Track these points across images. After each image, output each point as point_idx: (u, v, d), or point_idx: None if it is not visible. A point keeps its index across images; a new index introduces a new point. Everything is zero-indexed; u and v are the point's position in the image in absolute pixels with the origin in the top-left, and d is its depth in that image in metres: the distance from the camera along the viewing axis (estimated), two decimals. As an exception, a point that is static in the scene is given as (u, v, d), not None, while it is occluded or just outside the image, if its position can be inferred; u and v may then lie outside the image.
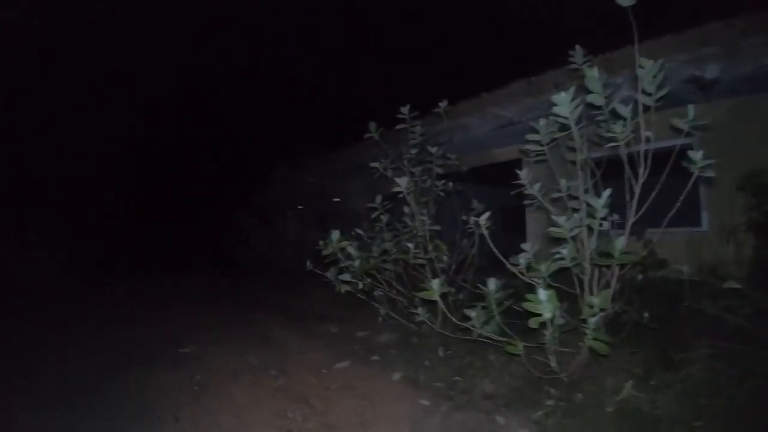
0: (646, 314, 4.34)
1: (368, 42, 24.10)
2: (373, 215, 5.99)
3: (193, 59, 23.22)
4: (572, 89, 3.75)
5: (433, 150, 6.06)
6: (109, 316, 8.44)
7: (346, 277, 5.37)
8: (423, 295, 3.87)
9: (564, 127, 3.92)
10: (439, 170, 6.32)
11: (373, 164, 6.34)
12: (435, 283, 3.80)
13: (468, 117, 8.47)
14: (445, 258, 5.63)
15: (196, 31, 22.41)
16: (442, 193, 6.40)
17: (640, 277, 4.68)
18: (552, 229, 3.74)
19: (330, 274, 5.63)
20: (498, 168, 9.81)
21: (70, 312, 9.03)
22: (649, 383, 3.67)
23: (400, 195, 5.57)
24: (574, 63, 4.53)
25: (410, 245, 5.22)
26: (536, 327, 3.37)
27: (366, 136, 6.15)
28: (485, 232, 3.90)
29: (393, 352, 5.46)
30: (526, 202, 4.51)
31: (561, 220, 3.63)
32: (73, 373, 5.34)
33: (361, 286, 5.48)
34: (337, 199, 14.03)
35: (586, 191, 4.01)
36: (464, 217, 5.92)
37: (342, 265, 5.41)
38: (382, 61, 23.93)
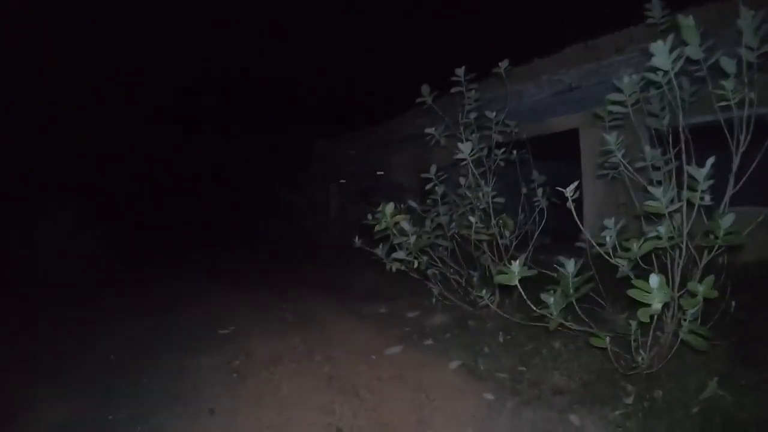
0: (733, 303, 3.71)
1: (411, 7, 22.89)
2: (427, 186, 5.38)
3: (229, 32, 22.88)
4: (671, 37, 3.06)
5: (492, 115, 5.34)
6: (148, 297, 8.26)
7: (400, 254, 4.82)
8: (500, 278, 3.28)
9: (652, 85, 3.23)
10: (499, 138, 5.61)
11: (428, 130, 5.66)
12: (515, 266, 3.20)
13: (521, 84, 7.76)
14: (507, 234, 5.00)
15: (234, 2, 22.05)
16: (502, 163, 5.70)
17: (720, 260, 3.97)
18: (649, 203, 3.12)
19: (380, 251, 5.11)
20: (548, 139, 9.04)
21: (108, 294, 8.85)
22: (734, 382, 3.26)
23: (461, 163, 4.93)
24: (652, 18, 4.07)
25: (473, 219, 4.67)
26: (647, 321, 2.79)
27: (418, 100, 5.50)
28: (571, 205, 3.24)
29: (448, 336, 4.99)
30: (599, 172, 4.13)
31: (657, 192, 3.05)
32: (110, 358, 5.09)
33: (416, 264, 4.93)
34: (381, 173, 13.50)
35: (683, 161, 3.31)
36: (524, 190, 5.32)
37: (396, 241, 4.85)
38: (426, 28, 22.81)
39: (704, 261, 3.35)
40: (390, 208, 4.51)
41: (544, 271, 3.74)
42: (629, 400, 3.24)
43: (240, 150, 23.97)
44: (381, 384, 3.98)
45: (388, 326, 5.61)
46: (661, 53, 3.08)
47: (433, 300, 5.81)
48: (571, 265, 3.17)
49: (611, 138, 3.55)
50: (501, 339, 4.62)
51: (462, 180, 5.32)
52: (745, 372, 3.34)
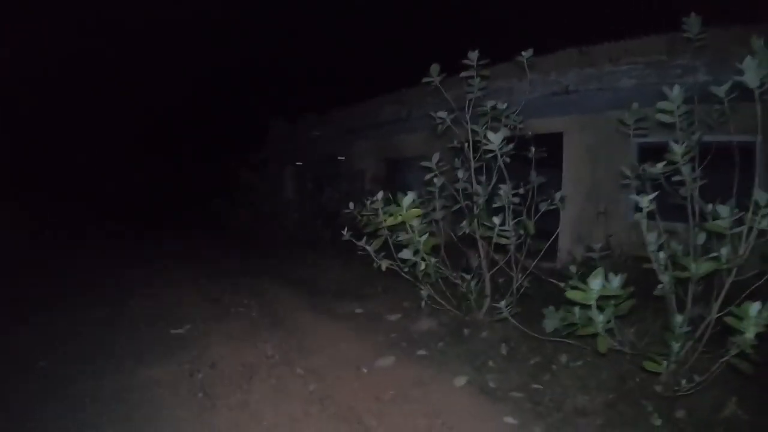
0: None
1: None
2: (427, 177, 4.79)
3: (191, 12, 21.23)
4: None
5: (503, 107, 4.73)
6: (80, 284, 7.08)
7: (406, 254, 4.15)
8: (574, 295, 2.72)
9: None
10: (507, 132, 5.00)
11: (440, 114, 4.97)
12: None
13: (507, 80, 7.25)
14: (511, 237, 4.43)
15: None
16: (507, 159, 5.10)
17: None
18: (715, 222, 2.98)
19: (372, 246, 4.44)
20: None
21: (27, 280, 7.52)
22: (750, 401, 3.09)
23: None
24: (686, 32, 3.96)
25: (497, 221, 4.19)
26: (748, 350, 2.49)
27: (425, 80, 4.85)
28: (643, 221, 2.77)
29: (441, 346, 4.42)
30: (624, 181, 4.00)
31: (724, 211, 2.94)
32: (38, 366, 4.07)
33: (423, 266, 4.27)
34: (342, 158, 12.72)
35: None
36: (521, 190, 4.69)
37: (399, 238, 4.19)
38: (404, 12, 21.75)
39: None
40: (408, 200, 3.77)
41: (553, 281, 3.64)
42: (657, 422, 2.97)
43: (192, 120, 22.36)
44: (384, 407, 3.30)
45: (370, 330, 4.96)
46: (750, 69, 3.05)
47: (423, 303, 5.10)
48: (616, 282, 2.79)
49: (679, 148, 3.27)
50: (504, 351, 4.12)
51: (460, 173, 4.85)
52: (761, 391, 3.15)
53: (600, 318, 2.85)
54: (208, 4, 20.75)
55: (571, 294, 2.74)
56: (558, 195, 4.61)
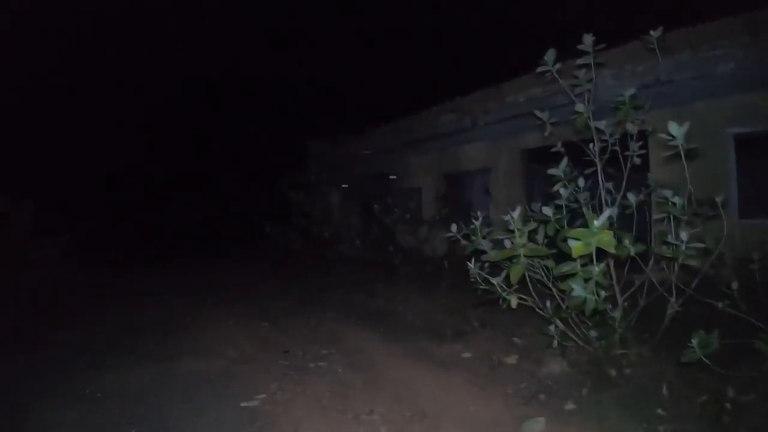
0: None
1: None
2: (555, 188, 3.98)
3: (231, 31, 20.90)
4: None
5: (630, 93, 3.91)
6: (120, 336, 5.86)
7: (577, 288, 3.08)
8: None
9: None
10: (633, 128, 4.11)
11: (539, 114, 4.34)
12: None
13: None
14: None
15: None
16: (637, 160, 4.27)
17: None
18: None
19: (510, 277, 3.50)
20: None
21: (69, 332, 6.20)
22: None
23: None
24: None
25: (683, 235, 3.39)
26: None
27: (540, 70, 4.18)
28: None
29: (587, 394, 3.45)
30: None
31: None
32: None
33: (593, 304, 3.18)
34: (393, 177, 11.65)
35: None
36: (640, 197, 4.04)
37: (563, 269, 3.14)
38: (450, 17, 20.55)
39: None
40: (603, 220, 2.59)
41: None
42: None
43: (238, 148, 21.88)
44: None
45: (491, 380, 3.89)
46: None
47: (554, 342, 3.91)
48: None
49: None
50: (665, 392, 3.25)
51: (581, 182, 4.06)
52: None
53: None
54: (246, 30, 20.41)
55: None
56: (719, 199, 3.61)
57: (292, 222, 10.80)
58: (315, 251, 9.81)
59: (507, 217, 3.48)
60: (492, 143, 9.28)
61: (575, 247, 2.48)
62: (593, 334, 3.80)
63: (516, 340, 4.77)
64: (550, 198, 4.09)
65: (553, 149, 4.45)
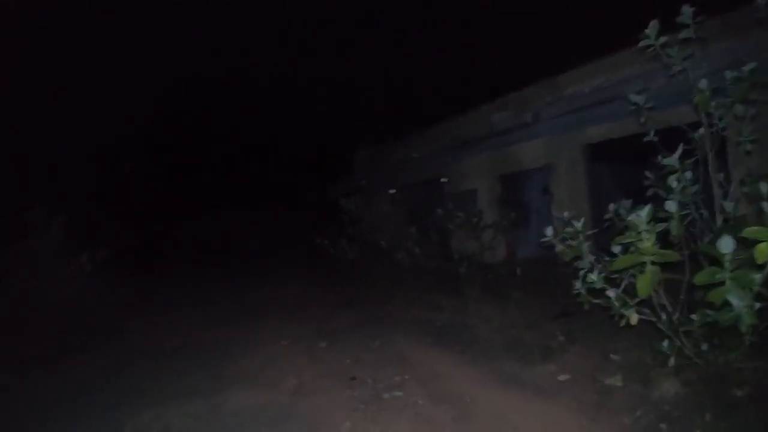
0: None
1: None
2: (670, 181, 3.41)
3: (275, 32, 20.79)
4: None
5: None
6: (167, 353, 5.67)
7: (736, 301, 2.47)
8: None
9: None
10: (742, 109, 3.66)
11: (635, 98, 3.92)
12: None
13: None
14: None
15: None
16: (749, 146, 3.78)
17: None
18: None
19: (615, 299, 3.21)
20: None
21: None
22: None
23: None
24: None
25: None
26: None
27: (642, 44, 3.82)
28: None
29: (711, 419, 2.91)
30: None
31: None
32: None
33: (748, 320, 2.58)
34: (444, 180, 11.03)
35: None
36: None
37: (721, 275, 2.58)
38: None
39: None
40: None
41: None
42: None
43: (285, 156, 21.77)
44: None
45: (600, 408, 3.31)
46: None
47: (671, 360, 3.36)
48: None
49: None
50: None
51: (688, 174, 3.52)
52: None
53: None
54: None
55: None
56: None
57: (344, 231, 10.28)
58: (369, 261, 9.24)
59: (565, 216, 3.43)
60: (552, 139, 8.60)
61: (759, 249, 1.86)
62: (705, 346, 3.23)
63: (613, 357, 4.11)
64: (614, 196, 3.81)
65: (646, 138, 3.95)
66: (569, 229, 3.65)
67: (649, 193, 4.02)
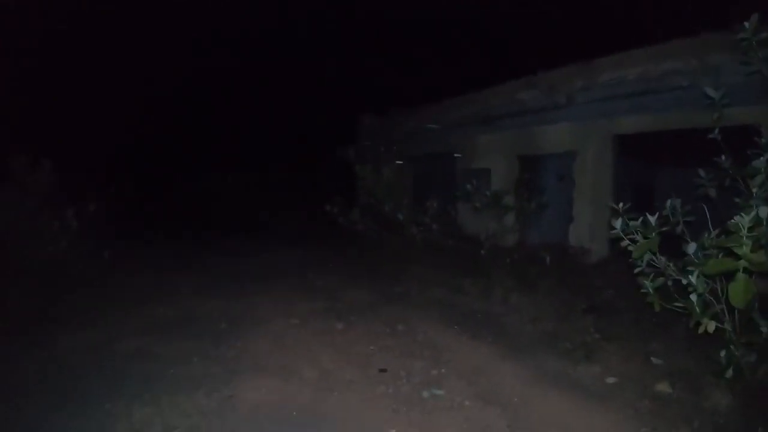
0: None
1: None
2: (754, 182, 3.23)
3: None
4: None
5: None
6: (162, 330, 4.91)
7: None
8: None
9: None
10: None
11: (710, 92, 3.68)
12: None
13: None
14: None
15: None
16: None
17: None
18: None
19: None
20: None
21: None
22: None
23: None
24: None
25: None
26: None
27: (738, 37, 3.53)
28: None
29: None
30: None
31: None
32: None
33: None
34: (458, 155, 10.61)
35: None
36: None
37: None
38: None
39: None
40: None
41: None
42: None
43: (290, 119, 20.97)
44: None
45: (656, 417, 3.14)
46: None
47: (729, 372, 3.23)
48: None
49: None
50: None
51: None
52: None
53: None
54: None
55: None
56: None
57: (356, 200, 9.62)
58: (382, 234, 8.69)
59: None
60: (580, 125, 8.17)
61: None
62: (752, 359, 3.16)
63: (654, 360, 3.95)
64: (643, 191, 3.43)
65: (710, 136, 3.72)
66: (633, 223, 3.38)
67: (699, 193, 3.85)
